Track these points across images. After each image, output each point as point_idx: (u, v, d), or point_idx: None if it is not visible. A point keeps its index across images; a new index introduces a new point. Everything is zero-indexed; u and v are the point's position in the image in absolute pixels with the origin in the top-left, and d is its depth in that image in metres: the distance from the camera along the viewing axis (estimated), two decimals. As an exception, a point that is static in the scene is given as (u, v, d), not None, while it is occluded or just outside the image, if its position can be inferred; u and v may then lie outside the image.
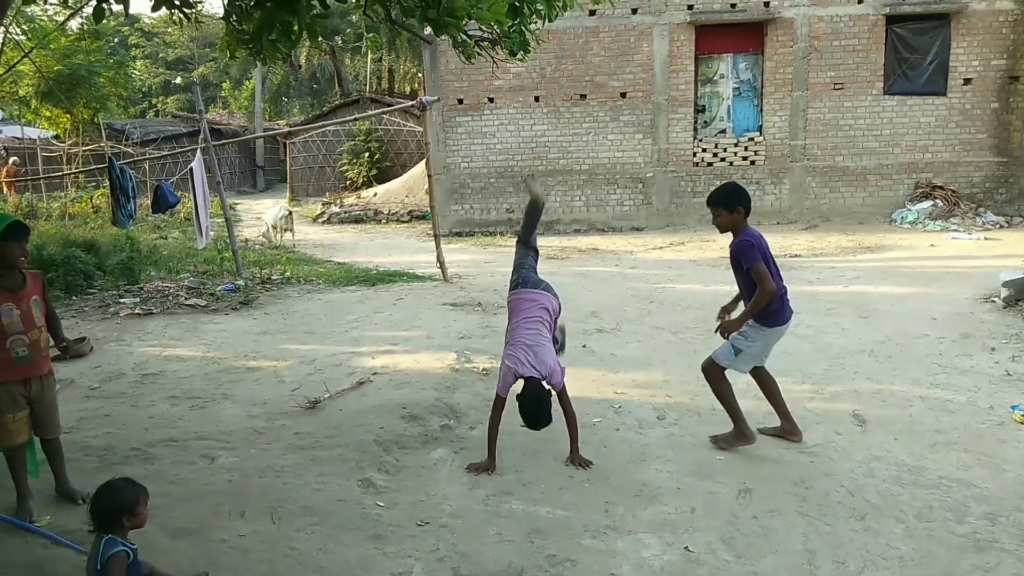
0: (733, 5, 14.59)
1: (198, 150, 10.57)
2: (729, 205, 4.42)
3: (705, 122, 15.32)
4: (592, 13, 14.74)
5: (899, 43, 14.48)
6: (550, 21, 5.50)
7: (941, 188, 14.54)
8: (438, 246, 10.59)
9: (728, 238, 4.53)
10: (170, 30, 46.93)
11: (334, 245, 15.01)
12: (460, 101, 15.38)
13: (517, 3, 4.97)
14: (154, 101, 49.49)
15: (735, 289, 4.73)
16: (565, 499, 4.06)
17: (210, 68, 48.20)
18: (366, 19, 5.67)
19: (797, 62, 14.61)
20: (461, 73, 15.06)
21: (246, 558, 3.49)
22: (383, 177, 23.50)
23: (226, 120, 37.16)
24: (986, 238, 12.41)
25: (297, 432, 4.99)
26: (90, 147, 21.32)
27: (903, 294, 8.67)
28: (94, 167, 17.58)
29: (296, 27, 3.93)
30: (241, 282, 9.97)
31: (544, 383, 4.33)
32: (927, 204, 14.24)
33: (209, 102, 45.29)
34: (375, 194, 21.17)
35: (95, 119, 22.79)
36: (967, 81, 14.47)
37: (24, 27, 16.46)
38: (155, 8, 4.00)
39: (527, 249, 4.97)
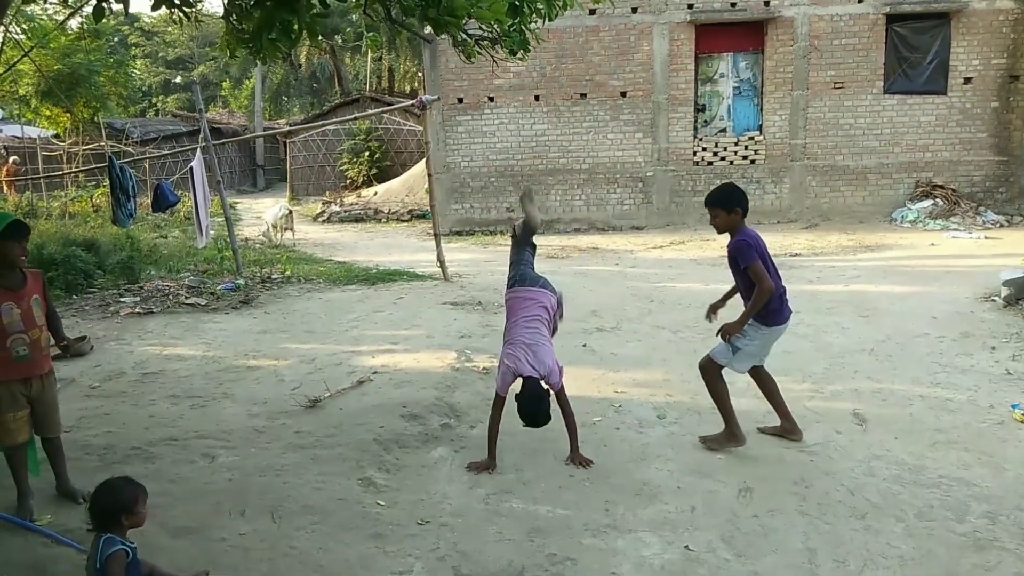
0: (733, 4, 14.58)
1: (198, 149, 10.56)
2: (727, 206, 4.42)
3: (705, 121, 15.32)
4: (592, 12, 14.73)
5: (899, 42, 14.47)
6: (550, 20, 5.50)
7: (941, 187, 14.53)
8: (438, 245, 10.59)
9: (727, 238, 4.54)
10: (170, 29, 46.93)
11: (334, 244, 15.01)
12: (460, 100, 15.37)
13: (517, 2, 4.96)
14: (154, 100, 49.50)
15: (726, 288, 4.75)
16: (565, 498, 4.07)
17: (210, 67, 48.18)
18: (366, 18, 5.66)
19: (797, 61, 14.61)
20: (461, 72, 15.05)
21: (246, 557, 3.49)
22: (383, 176, 23.50)
23: (226, 119, 37.16)
24: (986, 237, 12.41)
25: (297, 431, 4.99)
26: (90, 146, 21.32)
27: (903, 293, 8.67)
28: (94, 166, 17.60)
29: (296, 26, 3.93)
30: (241, 281, 9.97)
31: (542, 383, 4.33)
32: (927, 203, 14.24)
33: (209, 101, 45.29)
34: (375, 193, 21.17)
35: (95, 118, 22.78)
36: (967, 80, 14.46)
37: (24, 26, 16.47)
38: (155, 7, 4.00)
39: (524, 244, 4.92)
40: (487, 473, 4.35)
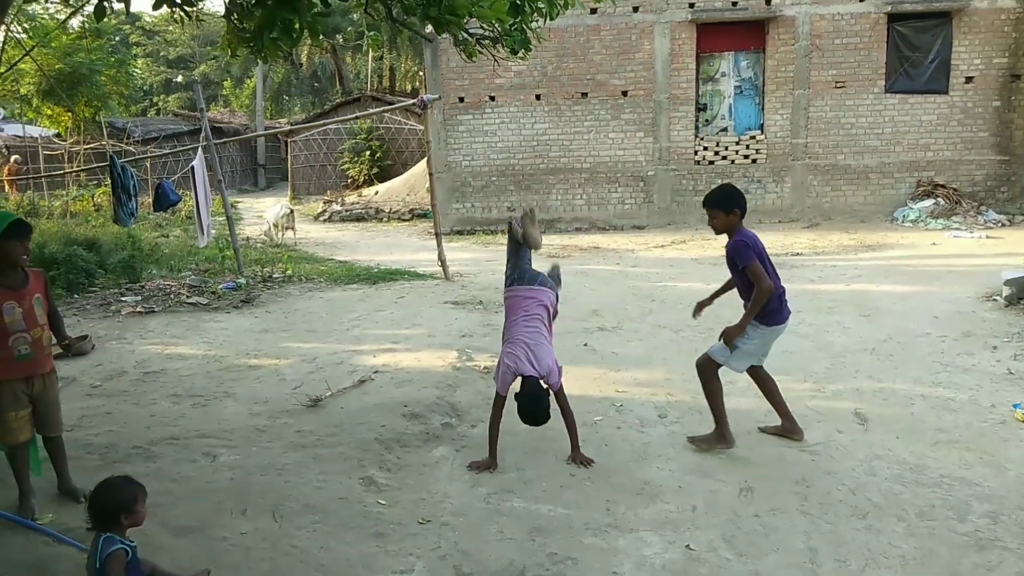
0: (734, 3, 14.57)
1: (199, 148, 10.57)
2: (726, 206, 4.43)
3: (706, 120, 15.31)
4: (593, 11, 14.73)
5: (901, 41, 14.46)
6: (551, 19, 5.50)
7: (943, 186, 14.52)
8: (439, 244, 10.59)
9: (726, 238, 4.54)
10: (171, 28, 46.93)
11: (335, 243, 15.01)
12: (461, 99, 15.37)
13: (518, 1, 4.96)
14: (155, 99, 49.51)
15: (713, 287, 4.74)
16: (566, 497, 4.07)
17: (211, 66, 48.20)
18: (367, 17, 5.66)
19: (799, 60, 14.59)
20: (462, 71, 15.04)
21: (248, 556, 3.50)
22: (384, 175, 23.51)
23: (227, 118, 37.17)
24: (988, 236, 12.40)
25: (299, 430, 5.00)
26: (91, 145, 21.34)
27: (905, 292, 8.67)
28: (95, 165, 17.62)
29: (297, 25, 3.93)
30: (242, 280, 9.98)
31: (542, 382, 4.33)
32: (929, 202, 14.23)
33: (210, 100, 45.31)
34: (376, 192, 21.18)
35: (96, 117, 22.82)
36: (969, 79, 14.44)
37: (25, 25, 16.49)
38: (156, 6, 4.01)
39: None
40: (488, 472, 4.36)
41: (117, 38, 37.39)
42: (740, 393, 5.18)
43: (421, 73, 25.10)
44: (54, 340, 4.04)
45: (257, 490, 4.12)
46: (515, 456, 4.55)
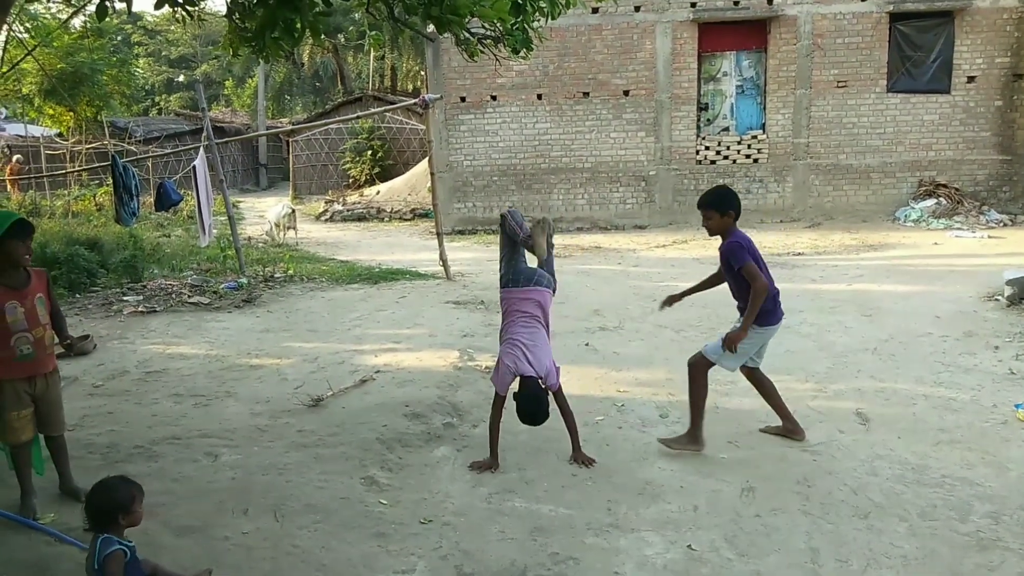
0: (736, 3, 14.56)
1: (201, 148, 10.58)
2: (721, 208, 4.43)
3: (708, 120, 15.30)
4: (595, 11, 14.73)
5: (903, 41, 14.44)
6: (553, 19, 5.50)
7: (945, 186, 14.51)
8: (441, 244, 10.60)
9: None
10: (173, 28, 46.92)
11: (337, 243, 15.02)
12: (463, 99, 15.37)
13: (520, 0, 4.96)
14: (157, 99, 49.53)
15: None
16: (568, 497, 4.07)
17: (213, 66, 48.20)
18: (369, 17, 5.65)
19: (800, 60, 14.58)
20: (464, 71, 15.04)
21: (249, 556, 3.50)
22: (386, 175, 23.51)
23: (229, 118, 37.19)
24: (990, 236, 12.38)
25: (300, 430, 5.00)
26: (93, 145, 21.36)
27: (906, 292, 8.66)
28: (97, 165, 17.63)
29: (299, 25, 3.94)
30: (244, 280, 9.98)
31: (540, 382, 4.34)
32: (931, 202, 14.21)
33: (212, 100, 45.34)
34: (378, 192, 21.19)
35: (98, 117, 22.83)
36: (971, 79, 14.43)
37: (27, 25, 16.51)
38: (158, 6, 4.01)
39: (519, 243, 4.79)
40: (489, 472, 4.36)
41: (119, 38, 37.45)
42: (742, 393, 5.17)
43: (423, 73, 25.10)
44: (56, 340, 4.04)
45: (259, 490, 4.13)
46: (516, 456, 4.55)
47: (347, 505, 3.98)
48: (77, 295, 9.33)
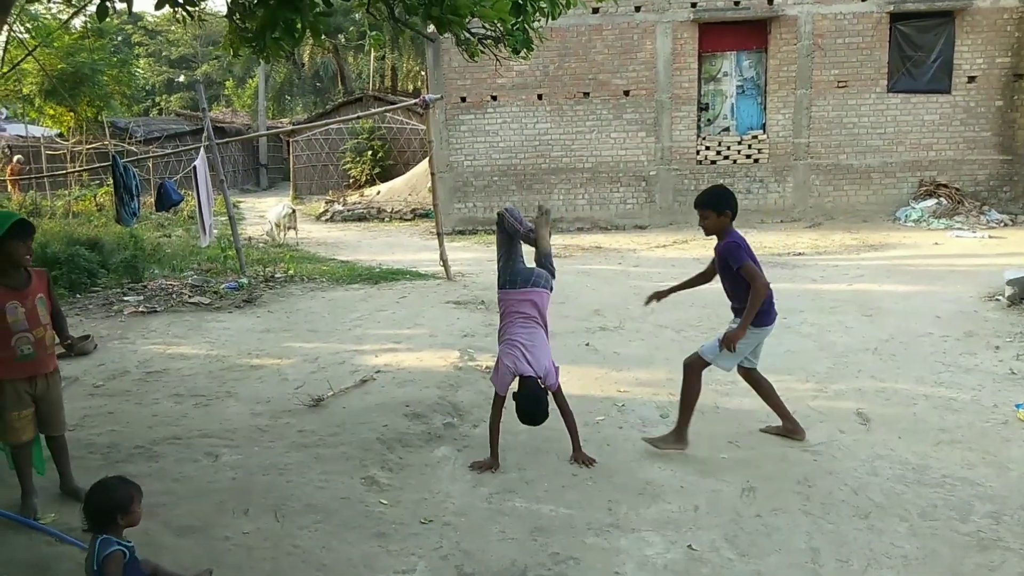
0: (737, 3, 14.56)
1: (201, 148, 10.58)
2: (718, 207, 4.44)
3: (708, 120, 15.30)
4: (595, 11, 14.73)
5: (903, 41, 14.44)
6: (553, 19, 5.50)
7: (945, 186, 14.50)
8: (441, 244, 10.60)
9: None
10: (173, 28, 46.96)
11: (337, 243, 15.02)
12: (463, 99, 15.37)
13: (520, 1, 4.96)
14: (157, 99, 49.56)
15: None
16: (568, 497, 4.06)
17: (213, 66, 48.21)
18: (369, 17, 5.66)
19: (801, 60, 14.58)
20: (464, 71, 15.04)
21: (250, 556, 3.50)
22: (386, 175, 23.52)
23: (229, 118, 37.21)
24: (990, 236, 12.38)
25: (300, 430, 5.00)
26: (94, 145, 21.38)
27: (907, 292, 8.66)
28: (98, 165, 17.63)
29: (299, 25, 3.94)
30: (244, 280, 9.99)
31: (539, 382, 4.34)
32: (931, 202, 14.21)
33: (212, 100, 45.35)
34: (378, 192, 21.19)
35: (99, 117, 22.84)
36: (971, 79, 14.42)
37: (28, 25, 16.50)
38: (159, 6, 4.01)
39: (517, 241, 4.77)
40: (490, 472, 4.36)
41: (119, 38, 37.45)
42: (742, 393, 5.17)
43: (423, 73, 25.11)
44: (57, 340, 4.04)
45: (259, 490, 4.13)
46: (517, 456, 4.55)
47: (347, 505, 3.98)
48: (78, 295, 9.33)
